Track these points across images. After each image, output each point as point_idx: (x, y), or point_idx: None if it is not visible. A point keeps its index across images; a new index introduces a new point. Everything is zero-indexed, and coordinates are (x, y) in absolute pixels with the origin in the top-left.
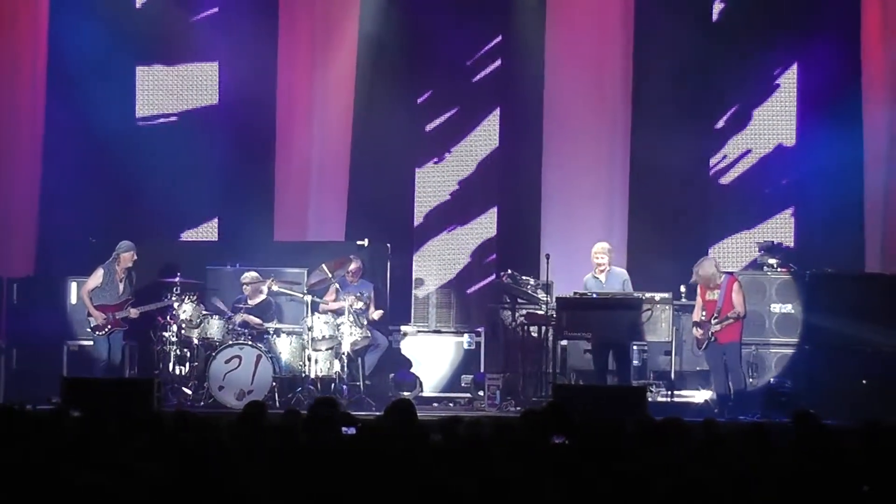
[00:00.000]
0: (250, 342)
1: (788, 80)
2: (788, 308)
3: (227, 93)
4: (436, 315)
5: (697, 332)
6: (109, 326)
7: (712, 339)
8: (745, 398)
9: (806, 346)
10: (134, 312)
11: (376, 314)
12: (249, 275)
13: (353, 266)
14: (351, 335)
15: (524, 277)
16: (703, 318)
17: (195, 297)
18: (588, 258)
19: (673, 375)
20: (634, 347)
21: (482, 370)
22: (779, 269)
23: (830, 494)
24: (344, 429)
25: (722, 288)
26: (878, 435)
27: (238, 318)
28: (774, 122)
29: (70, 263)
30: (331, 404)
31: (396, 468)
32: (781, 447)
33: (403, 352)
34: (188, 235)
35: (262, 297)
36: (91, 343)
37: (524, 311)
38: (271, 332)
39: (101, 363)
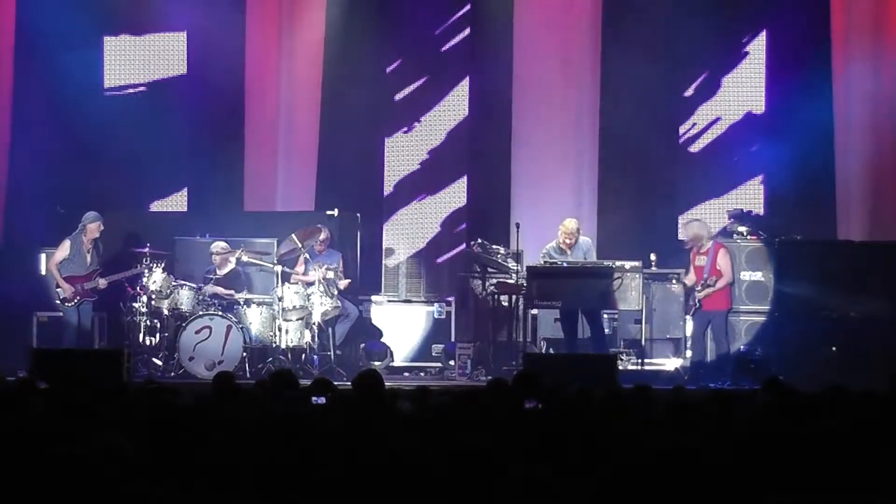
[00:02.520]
0: (220, 313)
1: (757, 47)
2: (758, 276)
3: (195, 62)
4: (406, 284)
5: (692, 298)
6: (78, 297)
7: (698, 305)
8: (715, 366)
9: (776, 314)
10: (102, 283)
11: (343, 283)
12: (219, 245)
13: (322, 236)
14: (321, 305)
15: (494, 246)
16: (693, 283)
17: (165, 268)
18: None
19: (644, 343)
20: (605, 316)
21: (452, 339)
22: (748, 237)
23: (796, 460)
24: (314, 398)
25: (709, 254)
26: (844, 401)
27: (208, 288)
28: (744, 90)
29: (38, 234)
30: (287, 382)
31: (364, 438)
32: (748, 415)
33: (374, 321)
34: (157, 206)
35: (231, 266)
36: (60, 314)
37: (494, 281)
38: (241, 303)
39: (70, 334)
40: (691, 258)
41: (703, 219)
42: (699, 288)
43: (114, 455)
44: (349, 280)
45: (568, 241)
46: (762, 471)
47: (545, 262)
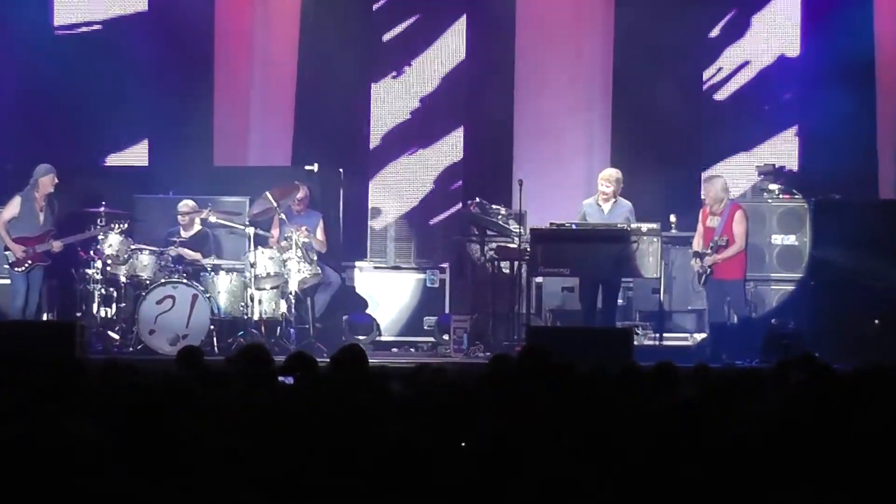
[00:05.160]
0: (185, 280)
1: None
2: (791, 239)
3: None
4: (395, 249)
5: (696, 263)
6: (30, 262)
7: (709, 272)
8: (742, 341)
9: (811, 283)
10: (57, 245)
11: (320, 234)
12: (187, 203)
13: (300, 194)
14: (299, 272)
15: (494, 206)
16: (702, 248)
17: (123, 230)
18: (567, 183)
19: (662, 316)
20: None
21: (447, 311)
22: (781, 196)
23: (835, 448)
24: (281, 378)
25: (723, 215)
26: (887, 381)
27: (171, 251)
28: (776, 30)
29: None
30: (262, 357)
31: (345, 423)
32: (781, 396)
33: (358, 290)
34: (114, 160)
35: (197, 228)
36: (7, 281)
37: (494, 245)
38: (209, 269)
39: (17, 304)
40: (701, 218)
41: (725, 177)
42: (708, 251)
43: (76, 443)
44: (321, 241)
45: (604, 190)
46: (794, 462)
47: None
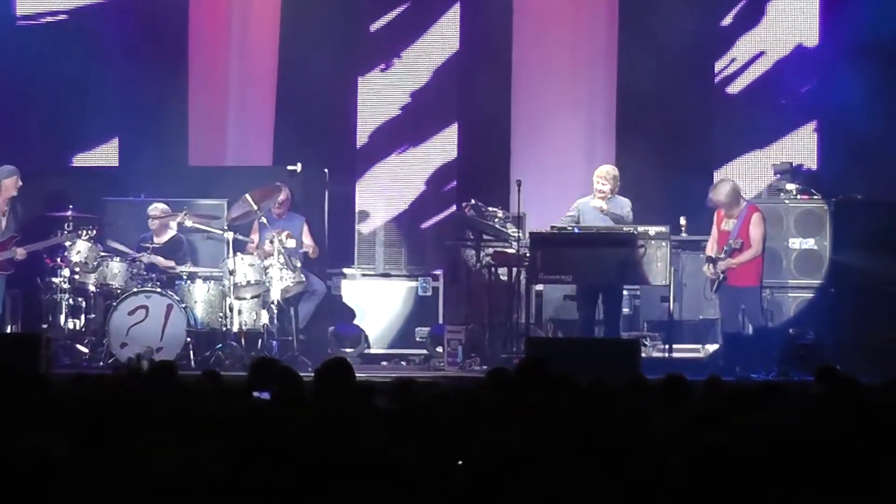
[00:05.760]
0: (159, 289)
1: None
2: (810, 243)
3: None
4: (384, 255)
5: (709, 270)
6: None
7: (722, 277)
8: (758, 352)
9: (831, 289)
10: (20, 253)
11: (307, 244)
12: (157, 207)
13: (281, 196)
14: (281, 280)
15: (491, 209)
16: (716, 252)
17: (92, 235)
18: (568, 183)
19: (671, 326)
20: (625, 292)
21: (440, 321)
22: (798, 197)
23: (861, 466)
24: (256, 394)
25: (739, 218)
26: None
27: (144, 258)
28: (793, 18)
29: None
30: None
31: (328, 442)
32: (802, 410)
33: (345, 299)
34: (82, 160)
35: (172, 232)
36: None
37: (491, 250)
38: (185, 277)
39: None
40: (716, 221)
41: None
42: (722, 256)
43: (39, 459)
44: (312, 246)
45: (601, 188)
46: (817, 480)
47: (569, 217)
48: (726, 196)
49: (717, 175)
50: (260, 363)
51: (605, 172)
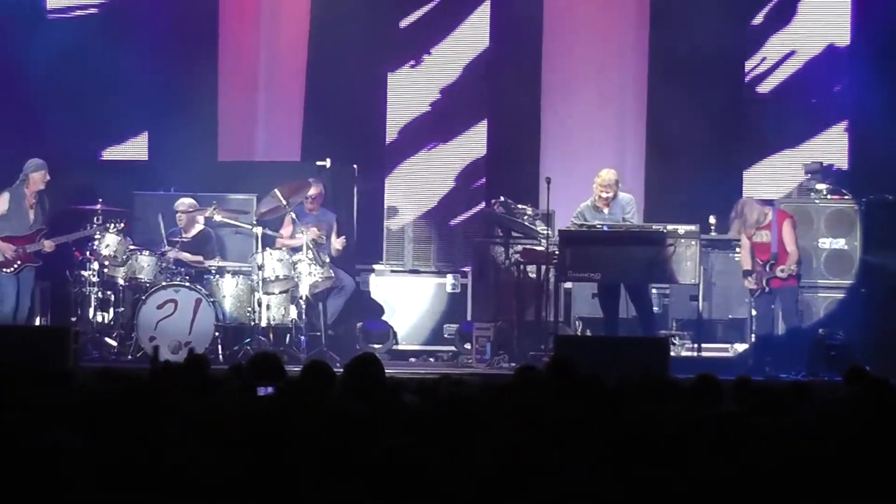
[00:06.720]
0: (188, 283)
1: None
2: (841, 243)
3: None
4: (413, 252)
5: (750, 281)
6: (19, 262)
7: (767, 288)
8: (788, 352)
9: (861, 290)
10: (48, 245)
11: (338, 242)
12: (183, 202)
13: (312, 191)
14: (310, 275)
15: (520, 206)
16: (757, 263)
17: (120, 228)
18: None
19: (700, 325)
20: (654, 291)
21: (469, 318)
22: (829, 197)
23: (890, 467)
24: (260, 389)
25: (773, 226)
26: None
27: (171, 253)
28: (824, 17)
29: None
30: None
31: (355, 439)
32: (830, 411)
33: (373, 296)
34: (112, 153)
35: (200, 227)
36: None
37: (519, 247)
38: (213, 272)
39: (7, 307)
40: (745, 234)
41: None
42: (780, 268)
43: (60, 455)
44: (344, 238)
45: (605, 196)
46: (846, 483)
47: (576, 224)
48: (755, 220)
49: (748, 174)
50: (259, 358)
51: (609, 181)
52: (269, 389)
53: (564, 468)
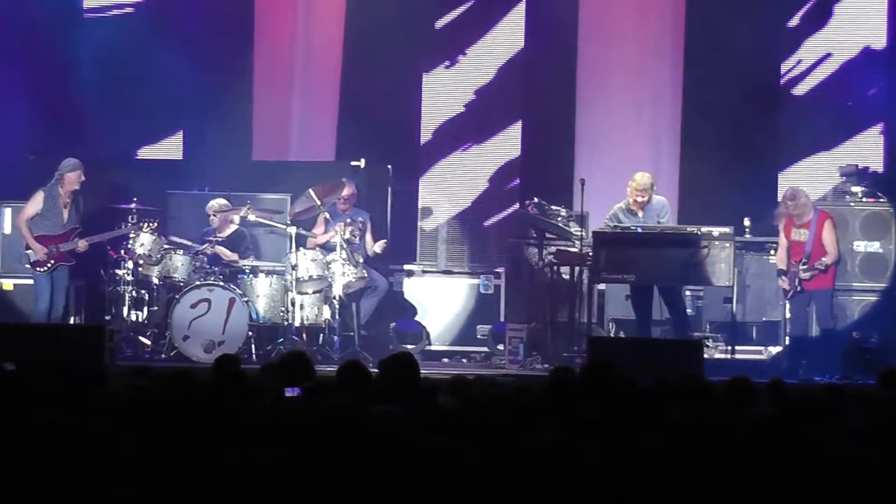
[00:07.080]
0: (221, 283)
1: None
2: (876, 246)
3: None
4: (446, 252)
5: (784, 281)
6: (52, 261)
7: (798, 288)
8: (822, 355)
9: None
10: (82, 244)
11: (378, 246)
12: (216, 202)
13: (346, 191)
14: (344, 275)
15: (554, 207)
16: (791, 264)
17: (154, 227)
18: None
19: (734, 327)
20: (687, 293)
21: (502, 319)
22: (864, 199)
23: None
24: (288, 391)
25: (811, 226)
26: None
27: (208, 249)
28: (861, 19)
29: (4, 185)
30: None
31: (388, 440)
32: (864, 415)
33: (407, 296)
34: (147, 152)
35: (234, 228)
36: (30, 281)
37: (553, 249)
38: (247, 272)
39: (41, 306)
40: (784, 231)
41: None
42: (803, 268)
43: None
44: (384, 241)
45: (640, 200)
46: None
47: (610, 226)
48: (804, 205)
49: (783, 177)
50: (288, 357)
51: (644, 185)
52: (297, 391)
53: (608, 469)
